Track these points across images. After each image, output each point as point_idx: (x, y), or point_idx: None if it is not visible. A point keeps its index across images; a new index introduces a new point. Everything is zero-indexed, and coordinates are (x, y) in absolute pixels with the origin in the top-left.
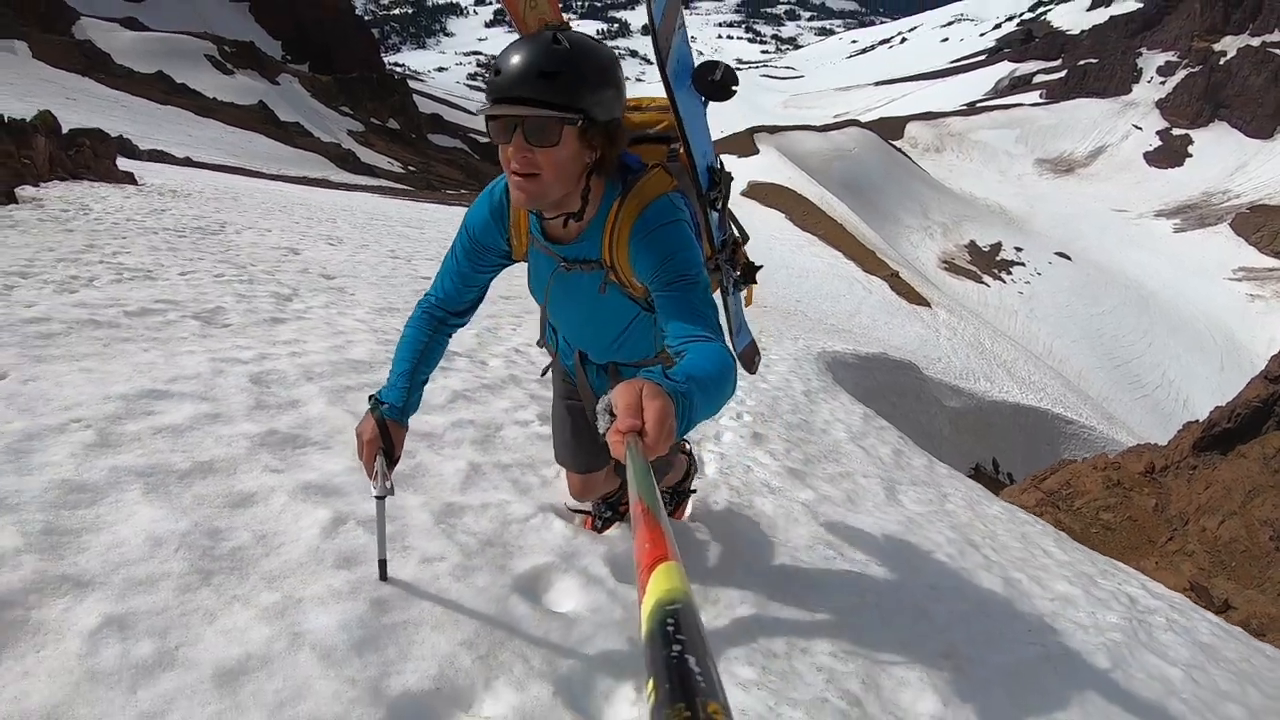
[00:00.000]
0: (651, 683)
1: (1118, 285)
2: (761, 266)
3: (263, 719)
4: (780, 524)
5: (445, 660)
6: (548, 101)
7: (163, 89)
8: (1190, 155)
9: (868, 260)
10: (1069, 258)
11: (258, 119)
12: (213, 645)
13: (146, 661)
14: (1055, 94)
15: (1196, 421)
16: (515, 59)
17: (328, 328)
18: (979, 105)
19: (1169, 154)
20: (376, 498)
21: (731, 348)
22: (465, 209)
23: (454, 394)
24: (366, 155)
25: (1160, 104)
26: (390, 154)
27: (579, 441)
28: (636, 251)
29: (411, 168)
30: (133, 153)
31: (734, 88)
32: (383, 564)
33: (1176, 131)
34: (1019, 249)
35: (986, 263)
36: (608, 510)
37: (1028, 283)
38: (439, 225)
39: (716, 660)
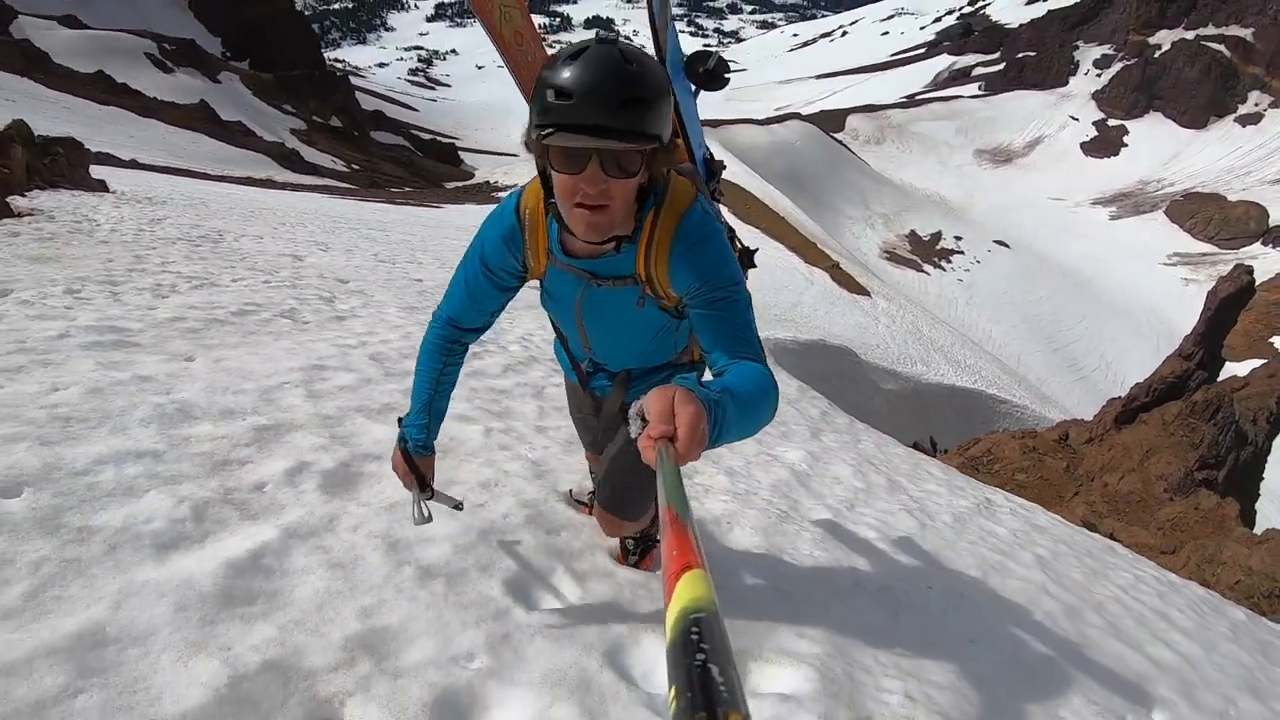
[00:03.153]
0: (674, 690)
1: (1055, 272)
2: (758, 249)
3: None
4: (735, 445)
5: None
6: (632, 131)
7: (103, 89)
8: (1126, 145)
9: (809, 252)
10: (1008, 245)
11: (200, 118)
12: (469, 473)
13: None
14: (994, 86)
15: (1119, 398)
16: (587, 80)
17: (384, 323)
18: (919, 97)
19: (1105, 144)
20: (416, 524)
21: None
22: (415, 208)
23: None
24: (310, 154)
25: (1096, 96)
26: (333, 152)
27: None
28: (677, 266)
29: (355, 166)
30: None
31: (727, 76)
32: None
33: (1112, 122)
34: (958, 238)
35: (927, 252)
36: (638, 547)
37: (967, 270)
38: (398, 227)
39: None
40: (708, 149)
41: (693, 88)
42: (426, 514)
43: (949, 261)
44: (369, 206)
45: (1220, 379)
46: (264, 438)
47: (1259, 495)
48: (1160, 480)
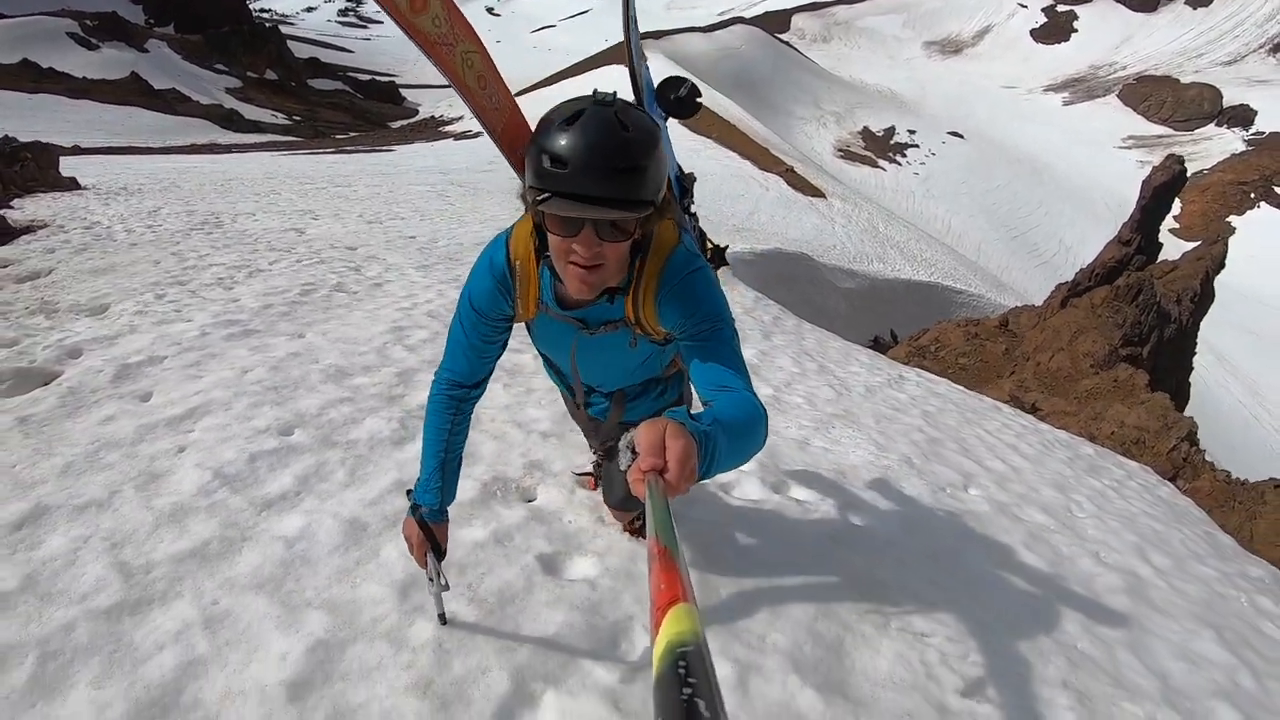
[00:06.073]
0: None
1: (1011, 160)
2: (728, 247)
3: None
4: None
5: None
6: (628, 200)
7: (30, 77)
8: (1076, 30)
9: (763, 158)
10: (962, 136)
11: (133, 91)
12: (506, 399)
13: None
14: None
15: (1066, 283)
16: (583, 149)
17: (413, 284)
18: None
19: (1055, 30)
20: (434, 594)
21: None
22: (366, 155)
23: None
24: (250, 111)
25: None
26: (273, 106)
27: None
28: (664, 305)
29: (297, 117)
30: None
31: (698, 101)
32: (442, 615)
33: (1061, 8)
34: (912, 131)
35: (881, 147)
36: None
37: (923, 164)
38: (361, 180)
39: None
40: (678, 166)
41: (662, 114)
42: (445, 582)
43: (904, 156)
44: (324, 160)
45: (1159, 262)
46: (404, 379)
47: (1191, 369)
48: (1087, 357)
